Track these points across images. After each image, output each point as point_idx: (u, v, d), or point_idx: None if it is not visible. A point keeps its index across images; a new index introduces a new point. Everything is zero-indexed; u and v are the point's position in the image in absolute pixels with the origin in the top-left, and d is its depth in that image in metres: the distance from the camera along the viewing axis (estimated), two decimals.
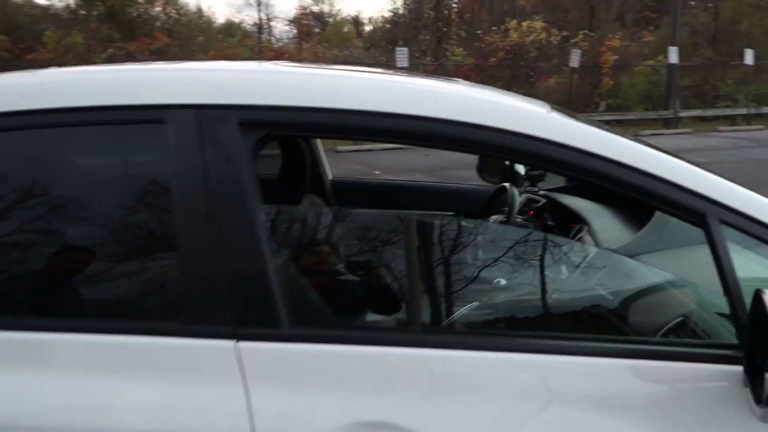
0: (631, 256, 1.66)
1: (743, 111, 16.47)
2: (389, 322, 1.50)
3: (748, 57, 15.65)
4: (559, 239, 1.68)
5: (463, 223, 2.72)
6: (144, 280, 1.13)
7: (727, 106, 17.12)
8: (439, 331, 1.25)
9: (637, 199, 1.14)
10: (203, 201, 1.06)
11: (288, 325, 1.04)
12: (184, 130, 1.08)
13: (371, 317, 1.71)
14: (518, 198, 2.30)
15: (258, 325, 1.04)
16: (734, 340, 1.18)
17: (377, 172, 8.92)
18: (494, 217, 2.37)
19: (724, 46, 19.01)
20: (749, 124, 16.02)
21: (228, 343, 1.03)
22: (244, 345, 1.03)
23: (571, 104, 15.43)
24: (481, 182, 2.87)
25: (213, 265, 1.05)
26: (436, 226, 2.54)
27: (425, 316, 1.57)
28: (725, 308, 1.26)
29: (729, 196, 1.08)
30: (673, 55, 15.29)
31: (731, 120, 16.39)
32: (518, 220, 2.28)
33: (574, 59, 14.88)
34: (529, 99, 1.40)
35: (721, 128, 15.49)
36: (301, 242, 1.41)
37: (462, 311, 1.63)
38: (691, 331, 1.30)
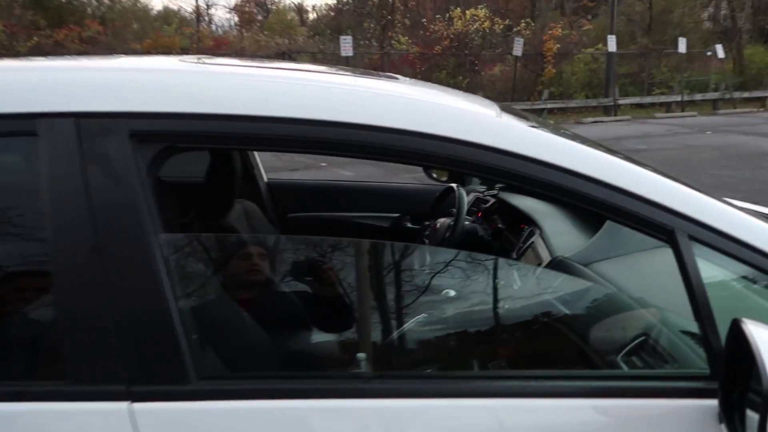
0: (586, 264, 1.55)
1: (677, 98, 17.07)
2: (328, 355, 1.34)
3: (682, 45, 16.19)
4: (510, 262, 1.55)
5: (409, 227, 2.59)
6: (12, 331, 0.92)
7: (662, 93, 17.71)
8: (390, 377, 1.07)
9: (598, 213, 1.02)
10: (87, 230, 0.86)
11: (196, 378, 0.86)
12: (61, 143, 0.88)
13: (315, 336, 1.56)
14: (466, 199, 2.17)
15: (157, 382, 0.85)
16: (701, 363, 1.08)
17: (323, 165, 8.67)
18: (442, 219, 2.23)
19: (659, 35, 19.60)
20: (683, 110, 16.62)
21: (120, 406, 0.84)
22: (140, 407, 0.84)
23: (515, 93, 15.59)
24: (428, 181, 2.73)
25: (100, 309, 0.85)
26: (383, 232, 2.39)
27: (375, 333, 1.42)
28: (689, 326, 1.16)
29: (699, 210, 0.96)
30: (612, 44, 15.63)
31: (666, 107, 16.96)
32: (467, 223, 2.16)
33: (517, 48, 14.99)
34: (477, 98, 1.26)
35: (658, 115, 16.01)
36: (219, 269, 1.21)
37: (409, 324, 1.50)
38: (654, 350, 1.20)
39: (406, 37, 18.32)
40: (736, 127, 13.10)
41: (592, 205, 0.99)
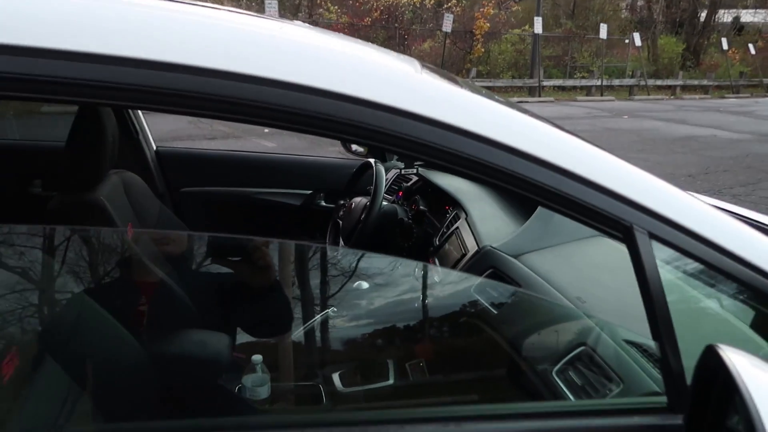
0: (517, 256, 1.36)
1: (597, 82, 17.62)
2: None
3: (603, 31, 16.65)
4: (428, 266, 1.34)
5: (322, 206, 2.33)
6: None
7: (583, 77, 18.23)
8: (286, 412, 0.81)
9: (538, 200, 0.80)
10: None
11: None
12: None
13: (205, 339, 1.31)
14: (385, 176, 1.93)
15: None
16: (650, 382, 0.91)
17: (266, 131, 8.04)
18: (358, 198, 1.99)
19: (581, 20, 20.11)
20: (602, 95, 17.18)
21: None
22: None
23: (443, 69, 15.51)
24: (347, 154, 2.47)
25: None
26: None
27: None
28: (635, 336, 0.99)
29: (664, 203, 0.77)
30: (538, 25, 15.82)
31: (587, 90, 17.48)
32: (385, 203, 1.93)
33: (447, 24, 14.86)
34: (392, 53, 1.01)
35: (579, 98, 16.46)
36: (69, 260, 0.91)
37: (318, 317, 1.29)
38: (594, 363, 1.02)
39: (336, 7, 17.77)
40: (649, 112, 13.66)
41: (532, 191, 0.78)
